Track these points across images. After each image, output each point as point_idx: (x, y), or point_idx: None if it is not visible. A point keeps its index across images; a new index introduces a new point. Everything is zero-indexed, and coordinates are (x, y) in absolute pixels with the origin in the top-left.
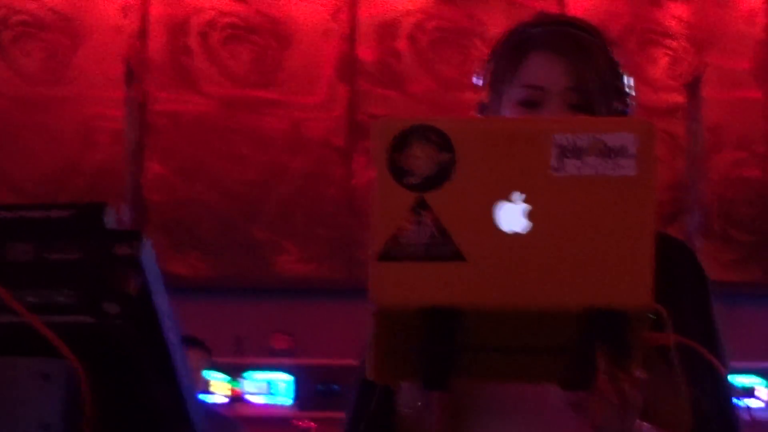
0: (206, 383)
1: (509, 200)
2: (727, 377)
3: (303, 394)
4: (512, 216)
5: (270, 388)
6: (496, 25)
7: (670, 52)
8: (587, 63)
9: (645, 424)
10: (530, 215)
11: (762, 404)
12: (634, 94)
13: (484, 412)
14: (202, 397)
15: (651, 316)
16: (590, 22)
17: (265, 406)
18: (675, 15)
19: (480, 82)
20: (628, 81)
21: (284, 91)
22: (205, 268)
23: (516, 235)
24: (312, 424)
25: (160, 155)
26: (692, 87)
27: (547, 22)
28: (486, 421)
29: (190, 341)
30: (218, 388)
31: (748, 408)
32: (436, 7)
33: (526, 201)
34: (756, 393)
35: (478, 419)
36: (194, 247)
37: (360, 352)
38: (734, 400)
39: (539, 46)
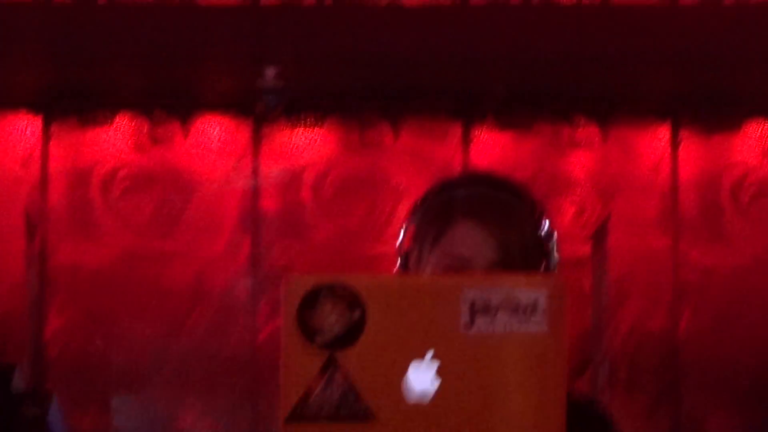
0: None
1: (421, 358)
2: None
3: None
4: (423, 374)
5: None
6: (400, 173)
7: (576, 202)
8: (513, 234)
9: None
10: (441, 373)
11: None
12: (557, 253)
13: None
14: None
15: None
16: (515, 181)
17: None
18: (580, 163)
19: (402, 235)
20: (553, 240)
21: (185, 241)
22: (105, 423)
23: (426, 394)
24: None
25: (59, 308)
26: (598, 236)
27: (474, 184)
28: None
29: None
30: None
31: None
32: (339, 157)
33: (436, 358)
34: None
35: None
36: (94, 401)
37: None
38: None
39: (466, 214)
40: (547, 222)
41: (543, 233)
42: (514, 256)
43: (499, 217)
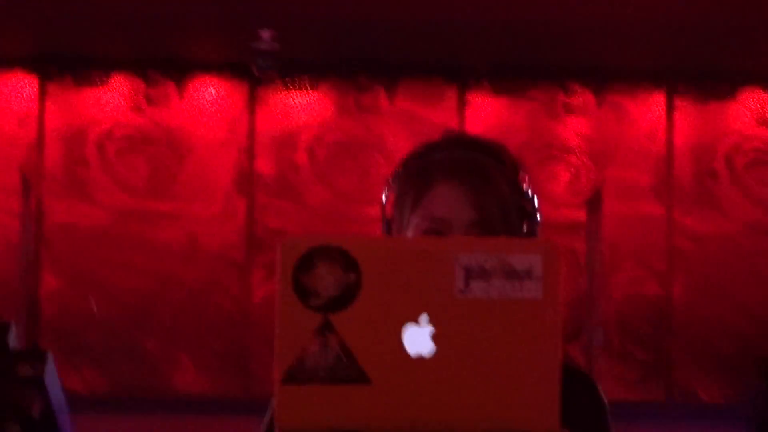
0: None
1: (415, 322)
2: None
3: None
4: (418, 338)
5: None
6: (395, 138)
7: (571, 168)
8: (492, 194)
9: None
10: (436, 337)
11: None
12: (539, 215)
13: None
14: None
15: None
16: (495, 144)
17: None
18: (575, 130)
19: (384, 201)
20: (534, 202)
21: (180, 202)
22: (98, 383)
23: (421, 357)
24: None
25: (54, 267)
26: (592, 203)
27: (452, 147)
28: None
29: None
30: None
31: None
32: (335, 121)
33: (431, 322)
34: None
35: None
36: (87, 360)
37: None
38: None
39: (444, 176)
40: (528, 183)
41: (523, 194)
42: (493, 216)
43: (478, 178)
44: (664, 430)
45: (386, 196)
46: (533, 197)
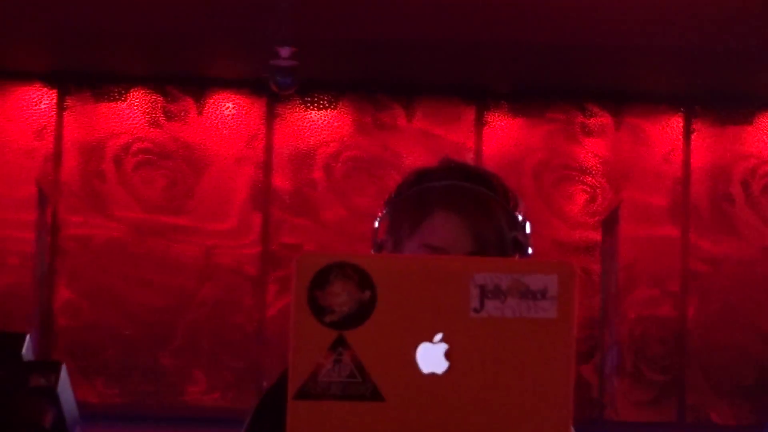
0: None
1: (429, 340)
2: None
3: None
4: (432, 356)
5: None
6: (412, 156)
7: (587, 189)
8: (489, 225)
9: None
10: (449, 356)
11: None
12: (530, 247)
13: None
14: None
15: None
16: (491, 174)
17: None
18: (592, 151)
19: (377, 225)
20: (527, 234)
21: (196, 217)
22: (112, 395)
23: (435, 375)
24: None
25: (68, 279)
26: (608, 224)
27: (451, 176)
28: None
29: None
30: None
31: None
32: (353, 138)
33: (445, 341)
34: None
35: None
36: (101, 373)
37: None
38: None
39: (442, 205)
40: (522, 215)
41: (518, 225)
42: (490, 247)
43: (476, 208)
44: None
45: (380, 221)
46: (527, 229)
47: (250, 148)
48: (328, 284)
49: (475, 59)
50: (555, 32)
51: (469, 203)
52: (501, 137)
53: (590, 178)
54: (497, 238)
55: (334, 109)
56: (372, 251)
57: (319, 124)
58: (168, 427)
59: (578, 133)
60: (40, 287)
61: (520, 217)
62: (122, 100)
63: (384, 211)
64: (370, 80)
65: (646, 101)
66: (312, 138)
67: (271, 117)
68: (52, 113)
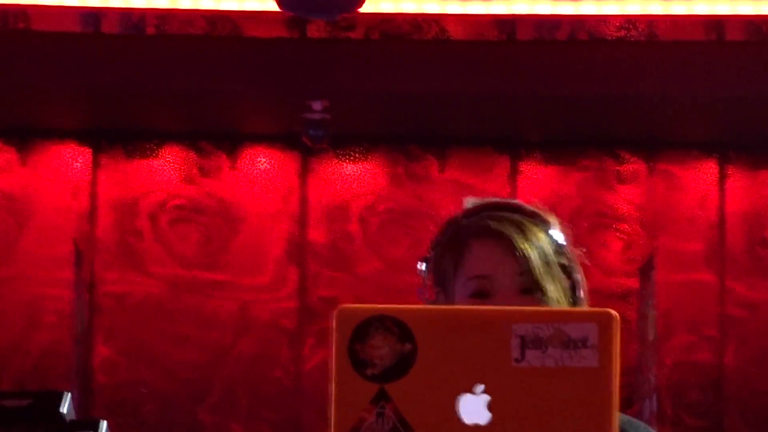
0: None
1: (471, 391)
2: None
3: None
4: (474, 408)
5: None
6: (447, 207)
7: (623, 236)
8: (529, 244)
9: None
10: (491, 407)
11: None
12: (579, 268)
13: None
14: None
15: None
16: (528, 205)
17: None
18: (626, 198)
19: (423, 276)
20: (572, 256)
21: (232, 272)
22: None
23: (477, 427)
24: None
25: (106, 337)
26: (645, 271)
27: (482, 210)
28: None
29: None
30: None
31: None
32: (386, 189)
33: (487, 392)
34: None
35: None
36: (140, 430)
37: None
38: None
39: (479, 235)
40: (563, 238)
41: (561, 247)
42: (534, 266)
43: (515, 233)
44: None
45: (425, 272)
46: (571, 251)
47: (285, 203)
48: (369, 337)
49: (507, 111)
50: (586, 83)
51: (505, 227)
52: (535, 186)
53: (625, 225)
54: (539, 256)
55: (367, 161)
56: (423, 303)
57: (353, 176)
58: None
59: (612, 180)
60: (78, 345)
61: (563, 240)
62: (155, 157)
63: (426, 262)
64: (403, 132)
65: (679, 147)
66: (346, 191)
67: (304, 171)
68: (87, 171)
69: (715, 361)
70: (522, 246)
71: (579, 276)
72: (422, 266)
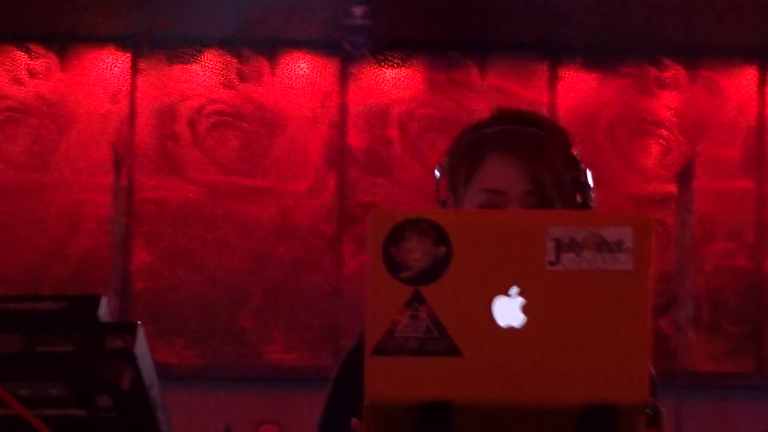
0: None
1: (506, 294)
2: None
3: None
4: (508, 310)
5: None
6: (485, 112)
7: (662, 142)
8: (544, 164)
9: None
10: (526, 309)
11: None
12: (592, 187)
13: None
14: None
15: (648, 411)
16: (546, 117)
17: None
18: (666, 104)
19: (439, 177)
20: (587, 174)
21: (271, 178)
22: (191, 357)
23: (512, 329)
24: None
25: (145, 242)
26: (683, 177)
27: (503, 122)
28: None
29: None
30: None
31: None
32: (426, 95)
33: (522, 295)
34: None
35: None
36: (180, 335)
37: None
38: None
39: (496, 149)
40: (580, 155)
41: (576, 165)
42: (547, 186)
43: (529, 149)
44: (755, 402)
45: (440, 174)
46: (585, 169)
47: (325, 108)
48: (404, 240)
49: (547, 15)
50: None
51: (522, 144)
52: (575, 92)
53: (665, 131)
54: (554, 178)
55: (408, 67)
56: (435, 205)
57: (393, 82)
58: (247, 388)
59: (652, 87)
60: (117, 251)
61: (577, 158)
62: (195, 62)
63: (442, 165)
64: (443, 38)
65: (719, 54)
66: (386, 96)
67: (344, 76)
68: (126, 76)
69: (753, 267)
70: (535, 165)
71: (591, 194)
72: (439, 169)
